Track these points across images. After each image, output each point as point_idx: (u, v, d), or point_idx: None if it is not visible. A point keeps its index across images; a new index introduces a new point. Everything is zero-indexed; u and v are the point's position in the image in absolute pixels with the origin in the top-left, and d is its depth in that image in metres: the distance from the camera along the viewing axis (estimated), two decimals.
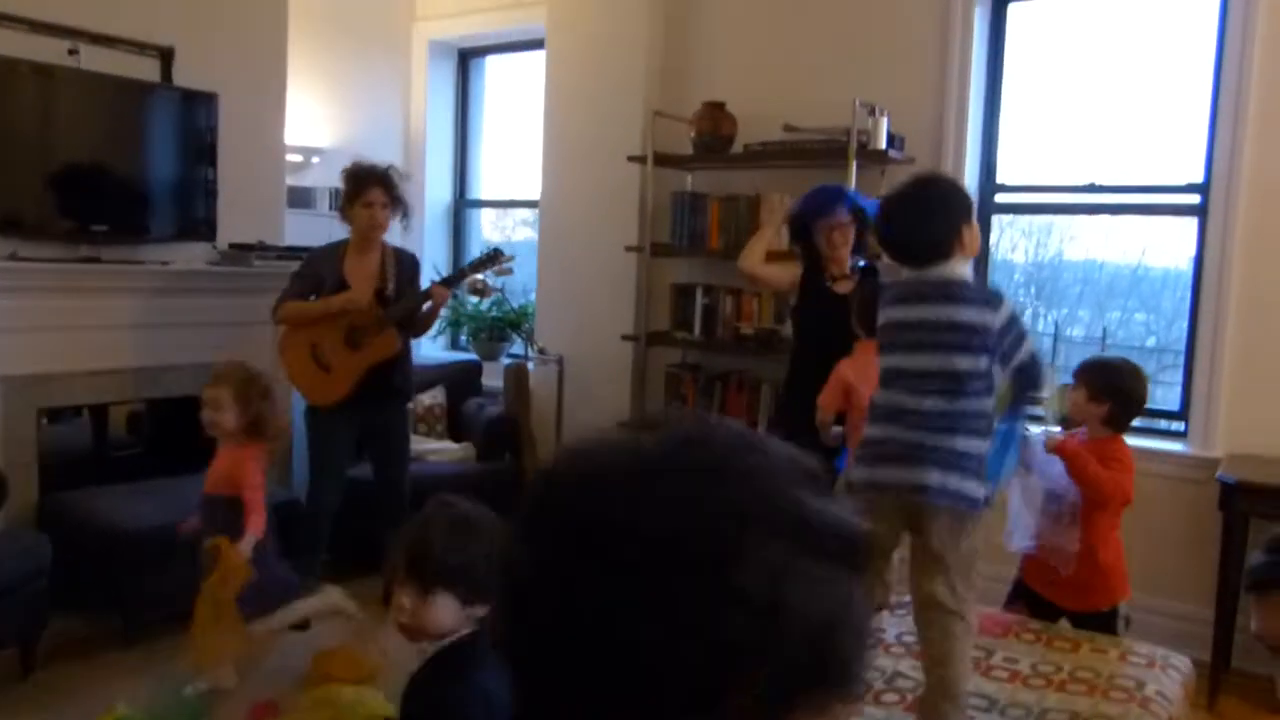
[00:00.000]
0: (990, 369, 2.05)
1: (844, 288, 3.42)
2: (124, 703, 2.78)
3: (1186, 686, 2.42)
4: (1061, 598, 2.78)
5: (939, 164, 3.97)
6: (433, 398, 4.74)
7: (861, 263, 3.47)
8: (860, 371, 2.89)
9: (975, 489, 2.05)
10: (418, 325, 3.70)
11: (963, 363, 2.04)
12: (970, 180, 4.00)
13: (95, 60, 3.81)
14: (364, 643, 3.25)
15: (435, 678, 1.71)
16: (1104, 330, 3.99)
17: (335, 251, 3.59)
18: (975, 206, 2.15)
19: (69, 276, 3.70)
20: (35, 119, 3.66)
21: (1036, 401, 2.16)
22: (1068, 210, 4.03)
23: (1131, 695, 2.25)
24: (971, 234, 2.11)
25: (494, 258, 3.70)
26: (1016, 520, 2.67)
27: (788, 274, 3.56)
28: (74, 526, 3.45)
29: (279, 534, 3.60)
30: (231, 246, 4.24)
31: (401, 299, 3.59)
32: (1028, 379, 2.12)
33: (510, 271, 3.89)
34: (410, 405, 4.57)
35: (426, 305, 3.63)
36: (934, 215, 2.11)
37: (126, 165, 3.95)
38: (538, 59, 5.17)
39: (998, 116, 4.05)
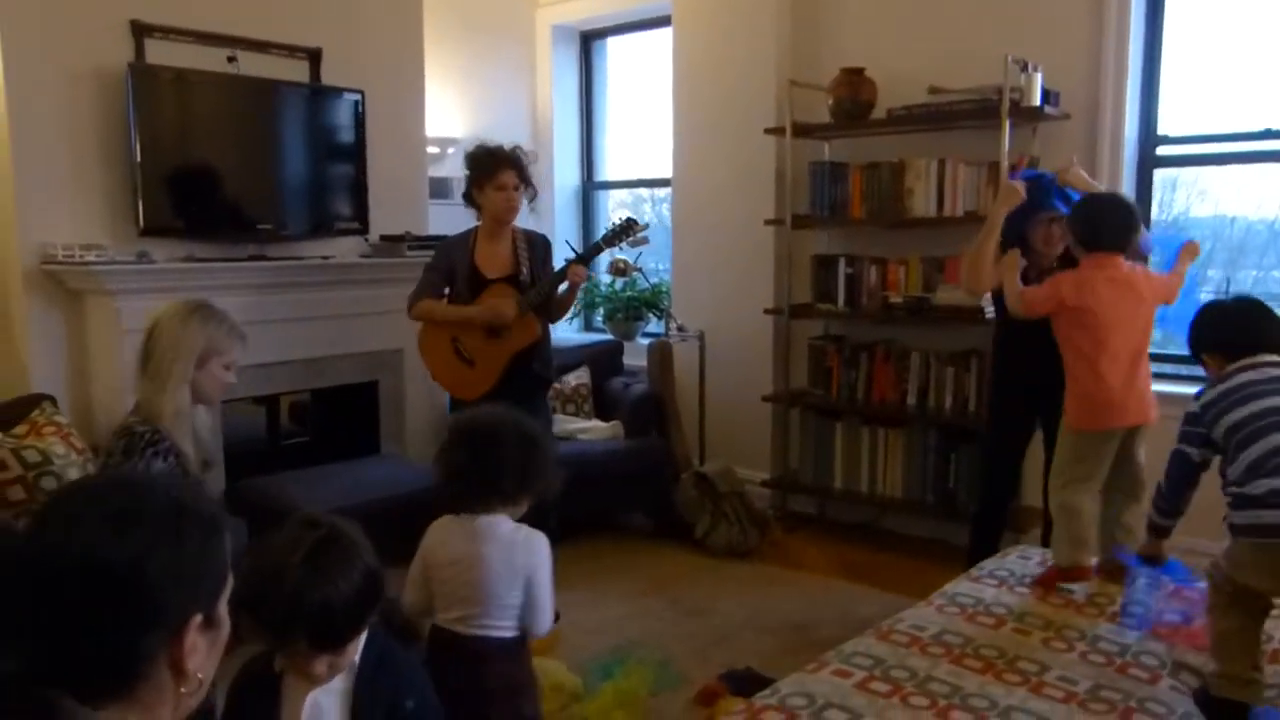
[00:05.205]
0: None
1: None
2: None
3: None
4: None
5: (1096, 119, 3.83)
6: (578, 378, 4.81)
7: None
8: (1086, 289, 2.67)
9: None
10: (556, 308, 3.49)
11: None
12: (1129, 133, 3.85)
13: (251, 65, 3.99)
14: None
15: (379, 676, 1.64)
16: (1227, 281, 3.78)
17: (466, 240, 3.46)
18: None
19: (240, 274, 3.89)
20: (204, 125, 3.85)
21: None
22: (1240, 159, 3.80)
23: None
24: None
25: (628, 227, 3.48)
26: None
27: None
28: (262, 511, 3.63)
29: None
30: (382, 238, 4.39)
31: (536, 282, 3.41)
32: None
33: (646, 241, 3.63)
34: (552, 389, 4.64)
35: (563, 286, 3.43)
36: None
37: (284, 165, 4.11)
38: (660, 36, 5.16)
39: (1158, 64, 3.86)
